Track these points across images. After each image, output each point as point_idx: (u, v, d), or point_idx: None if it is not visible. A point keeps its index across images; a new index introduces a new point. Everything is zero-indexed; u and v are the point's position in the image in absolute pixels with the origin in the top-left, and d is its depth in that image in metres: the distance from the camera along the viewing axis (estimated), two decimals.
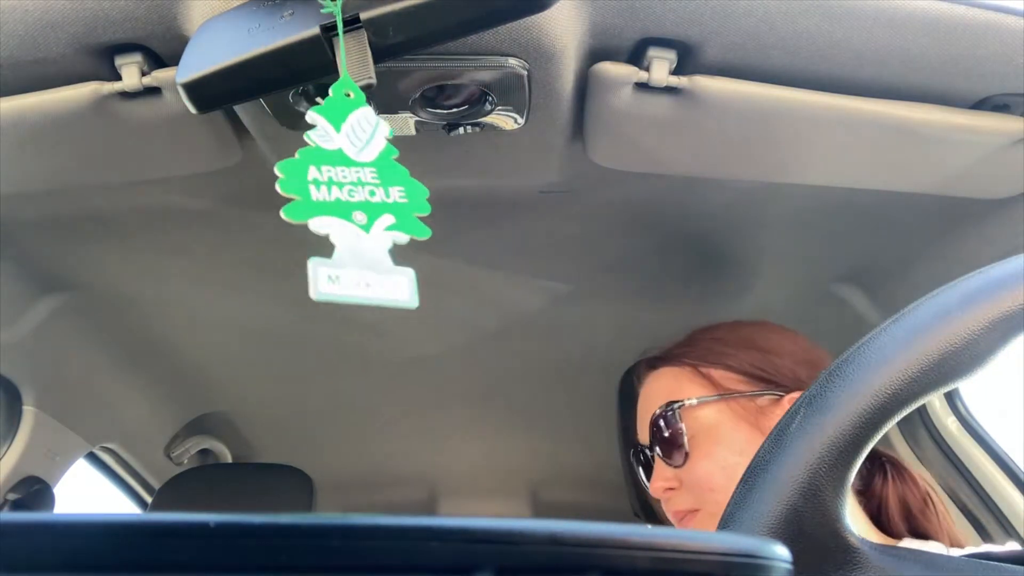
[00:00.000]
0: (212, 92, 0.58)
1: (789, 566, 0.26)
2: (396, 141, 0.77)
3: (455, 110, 0.72)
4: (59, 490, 1.30)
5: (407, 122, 0.73)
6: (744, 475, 0.36)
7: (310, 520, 0.23)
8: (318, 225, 0.52)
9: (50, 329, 1.18)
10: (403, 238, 0.54)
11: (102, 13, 0.64)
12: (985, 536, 1.09)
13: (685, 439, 0.86)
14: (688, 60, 0.71)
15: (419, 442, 1.80)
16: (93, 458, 1.51)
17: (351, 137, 0.55)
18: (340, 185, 0.54)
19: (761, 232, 1.09)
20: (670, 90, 0.72)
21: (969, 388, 1.15)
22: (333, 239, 0.52)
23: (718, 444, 0.85)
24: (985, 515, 1.09)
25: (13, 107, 0.71)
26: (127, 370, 1.40)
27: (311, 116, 0.55)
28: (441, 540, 0.23)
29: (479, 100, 0.71)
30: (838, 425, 0.34)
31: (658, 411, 0.88)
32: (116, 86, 0.69)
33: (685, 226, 1.07)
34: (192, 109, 0.58)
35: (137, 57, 0.68)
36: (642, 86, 0.72)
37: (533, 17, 0.62)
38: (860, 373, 0.35)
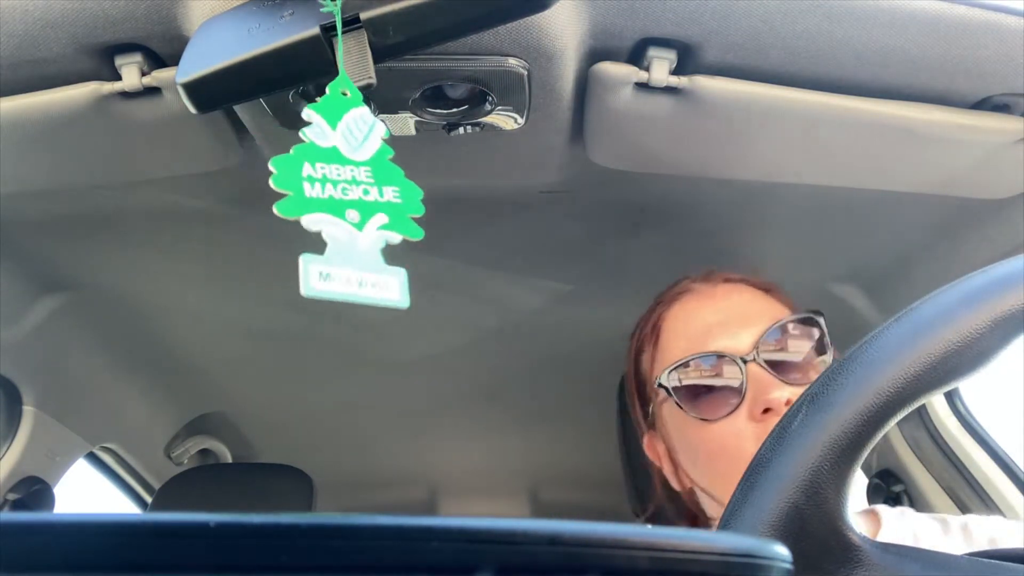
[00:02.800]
0: (212, 92, 0.58)
1: (789, 566, 0.26)
2: (396, 141, 0.77)
3: (455, 110, 0.72)
4: (59, 490, 1.30)
5: (407, 122, 0.73)
6: (745, 474, 0.36)
7: (310, 520, 0.23)
8: (311, 222, 0.52)
9: (50, 329, 1.18)
10: (396, 238, 0.53)
11: (102, 13, 0.64)
12: None
13: (829, 349, 0.78)
14: (688, 60, 0.71)
15: (419, 442, 1.80)
16: (93, 458, 1.51)
17: (346, 135, 0.55)
18: (334, 183, 0.53)
19: (761, 232, 1.09)
20: (670, 90, 0.72)
21: (969, 388, 1.15)
22: (325, 236, 0.52)
23: None
24: (985, 515, 1.09)
25: (13, 107, 0.71)
26: (127, 370, 1.40)
27: (307, 113, 0.55)
28: (441, 540, 0.23)
29: (479, 100, 0.71)
30: (840, 424, 0.34)
31: (801, 315, 0.79)
32: (116, 86, 0.69)
33: (685, 226, 1.07)
34: (192, 109, 0.58)
35: (137, 57, 0.68)
36: (642, 86, 0.72)
37: (533, 17, 0.62)
38: (862, 372, 0.35)
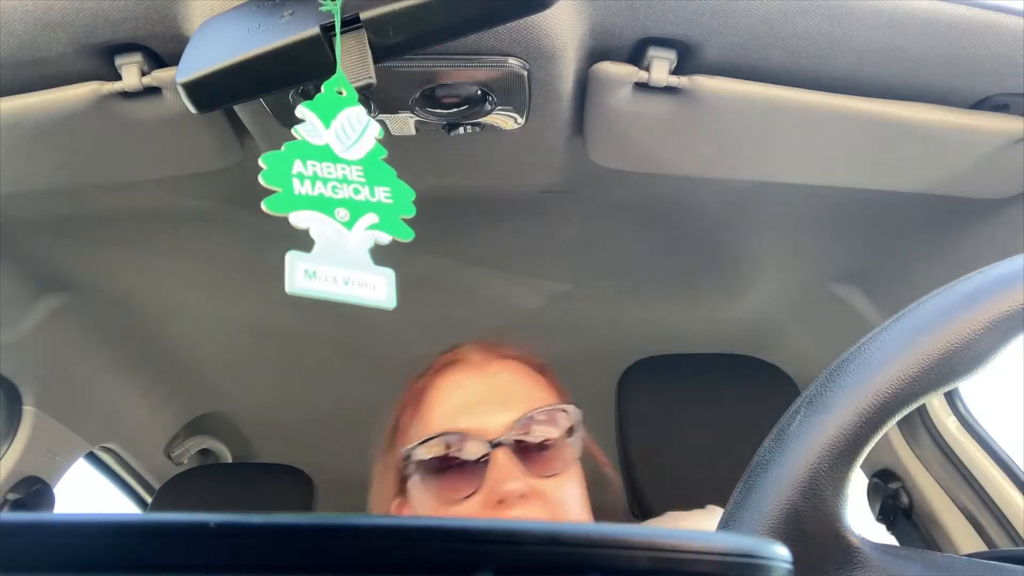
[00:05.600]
0: (212, 92, 0.58)
1: (789, 566, 0.26)
2: (397, 140, 0.77)
3: (455, 110, 0.72)
4: (59, 490, 1.30)
5: (407, 122, 0.73)
6: (744, 475, 0.36)
7: (310, 520, 0.23)
8: (299, 219, 0.51)
9: (50, 329, 1.18)
10: (385, 238, 0.53)
11: (102, 13, 0.64)
12: (985, 536, 1.09)
13: (578, 447, 0.78)
14: (688, 60, 0.71)
15: None
16: (93, 458, 1.51)
17: (339, 135, 0.55)
18: (324, 181, 0.53)
19: (761, 232, 1.09)
20: (670, 90, 0.72)
21: (969, 388, 1.15)
22: (313, 234, 0.51)
23: (580, 475, 0.79)
24: (985, 515, 1.09)
25: (13, 107, 0.71)
26: (127, 370, 1.40)
27: (300, 111, 0.54)
28: (441, 540, 0.23)
29: (479, 100, 0.71)
30: (838, 425, 0.34)
31: (554, 407, 0.78)
32: (116, 86, 0.69)
33: (685, 226, 1.07)
34: (192, 109, 0.58)
35: (137, 57, 0.68)
36: (642, 86, 0.72)
37: (533, 17, 0.62)
38: (860, 373, 0.35)
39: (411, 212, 0.54)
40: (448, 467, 0.75)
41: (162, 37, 0.67)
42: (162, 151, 0.80)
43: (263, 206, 0.51)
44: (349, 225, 0.52)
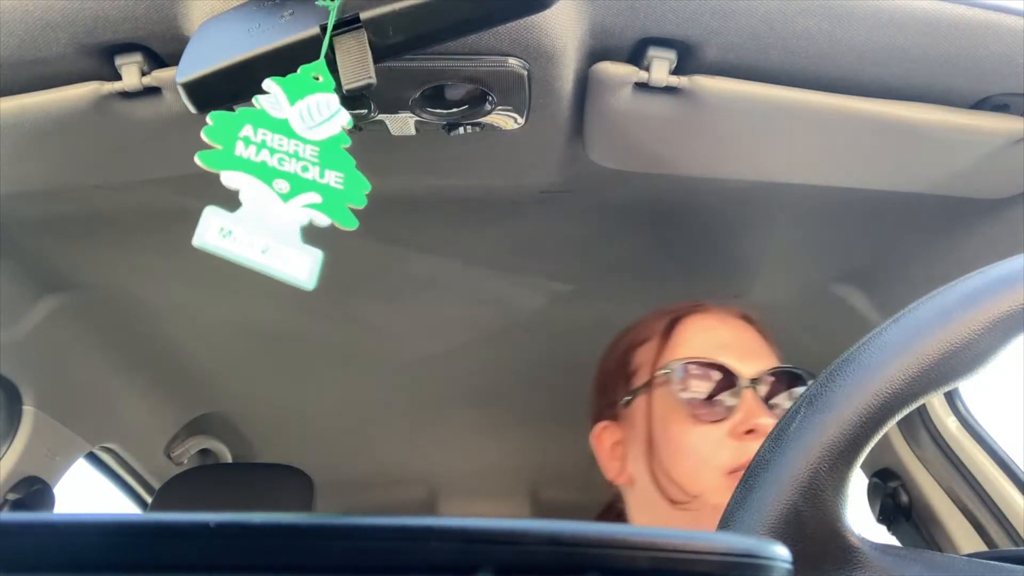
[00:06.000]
0: (212, 92, 0.57)
1: (789, 566, 0.26)
2: (397, 140, 0.77)
3: (455, 110, 0.72)
4: (59, 490, 1.30)
5: (407, 122, 0.73)
6: (744, 475, 0.36)
7: (310, 520, 0.23)
8: (232, 179, 0.49)
9: (50, 329, 1.18)
10: (324, 220, 0.51)
11: (102, 13, 0.64)
12: (985, 536, 1.09)
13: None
14: (688, 60, 0.71)
15: (419, 442, 1.80)
16: (93, 458, 1.51)
17: (303, 114, 0.53)
18: (272, 151, 0.51)
19: (761, 232, 1.09)
20: (670, 90, 0.72)
21: (969, 388, 1.15)
22: (242, 196, 0.49)
23: None
24: (985, 515, 1.09)
25: (13, 107, 0.71)
26: (127, 370, 1.40)
27: (267, 83, 0.53)
28: (441, 540, 0.23)
29: (479, 100, 0.71)
30: (839, 425, 0.34)
31: (797, 368, 0.84)
32: (116, 86, 0.69)
33: (685, 226, 1.07)
34: (192, 109, 0.58)
35: (137, 57, 0.68)
36: (642, 86, 0.72)
37: (533, 17, 0.62)
38: (860, 373, 0.35)
39: (361, 203, 0.52)
40: (703, 393, 0.82)
41: (162, 37, 0.67)
42: (162, 151, 0.80)
43: (196, 159, 0.49)
44: (286, 198, 0.50)
